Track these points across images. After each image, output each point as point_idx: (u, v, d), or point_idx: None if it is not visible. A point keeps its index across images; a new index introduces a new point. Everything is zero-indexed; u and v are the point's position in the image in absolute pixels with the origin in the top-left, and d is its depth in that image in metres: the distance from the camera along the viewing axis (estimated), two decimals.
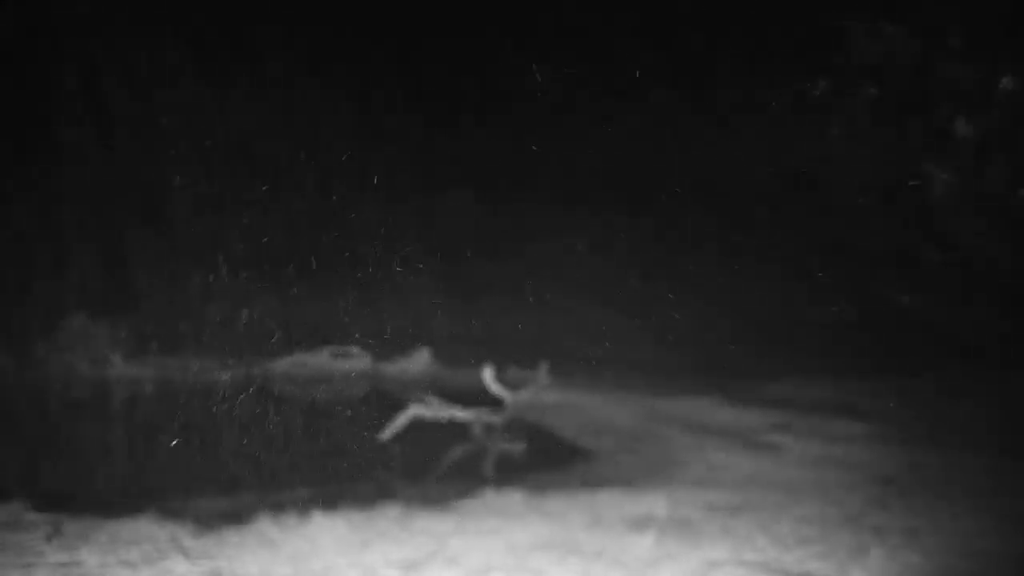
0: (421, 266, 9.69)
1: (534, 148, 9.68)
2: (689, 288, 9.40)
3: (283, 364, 9.29)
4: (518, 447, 7.71)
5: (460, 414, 8.00)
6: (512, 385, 8.32)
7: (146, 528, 5.04)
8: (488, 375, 8.28)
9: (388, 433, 7.49)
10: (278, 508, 5.30)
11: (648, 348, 9.73)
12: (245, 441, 7.09)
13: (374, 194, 9.78)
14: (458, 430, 7.87)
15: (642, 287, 9.92)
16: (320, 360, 9.57)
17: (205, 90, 9.30)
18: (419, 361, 10.16)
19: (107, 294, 8.82)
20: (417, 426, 7.63)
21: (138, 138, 9.16)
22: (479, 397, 8.15)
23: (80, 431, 7.27)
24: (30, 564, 4.58)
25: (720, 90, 9.78)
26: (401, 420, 7.61)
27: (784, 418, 8.19)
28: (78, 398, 8.09)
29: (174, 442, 6.97)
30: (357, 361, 9.92)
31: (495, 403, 8.19)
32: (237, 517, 5.18)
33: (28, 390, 8.00)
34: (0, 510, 5.22)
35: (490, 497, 5.78)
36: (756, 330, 9.69)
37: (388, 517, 5.33)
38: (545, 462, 7.05)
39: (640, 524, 5.21)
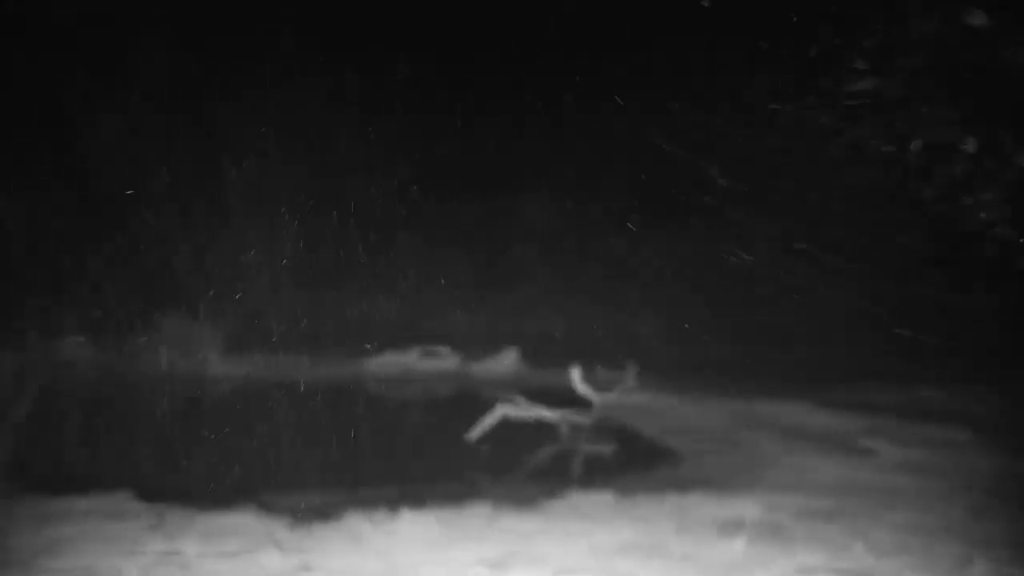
0: (506, 266, 9.73)
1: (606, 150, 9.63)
2: (781, 289, 9.20)
3: (373, 363, 9.43)
4: (605, 448, 7.67)
5: (547, 414, 7.99)
6: (599, 386, 8.28)
7: (242, 521, 5.17)
8: (575, 376, 8.26)
9: (476, 432, 7.53)
10: (367, 504, 5.38)
11: (735, 349, 9.56)
12: (336, 438, 7.22)
13: (455, 194, 9.88)
14: (545, 430, 7.87)
15: (729, 287, 9.75)
16: (409, 359, 9.68)
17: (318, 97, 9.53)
18: (507, 361, 10.19)
19: (204, 294, 9.07)
20: (505, 426, 7.65)
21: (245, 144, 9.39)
22: (566, 398, 8.13)
23: (179, 426, 7.50)
24: (133, 552, 4.74)
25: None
26: (489, 420, 7.64)
27: (880, 422, 7.95)
28: (177, 394, 8.34)
29: (266, 438, 7.17)
30: (445, 361, 10.01)
31: (582, 404, 8.17)
32: (328, 513, 5.28)
33: (130, 386, 8.29)
34: (105, 500, 5.43)
35: (577, 498, 5.76)
36: (848, 331, 9.43)
37: (475, 516, 5.36)
38: (632, 464, 7.00)
39: (730, 528, 5.11)
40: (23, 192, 8.74)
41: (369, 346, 9.28)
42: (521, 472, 6.91)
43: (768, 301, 9.22)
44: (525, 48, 9.77)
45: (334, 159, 9.75)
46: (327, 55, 9.62)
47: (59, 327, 8.80)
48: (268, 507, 5.34)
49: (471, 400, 8.56)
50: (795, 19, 6.28)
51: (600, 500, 5.72)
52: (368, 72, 9.72)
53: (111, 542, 4.87)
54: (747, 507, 5.48)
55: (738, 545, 4.85)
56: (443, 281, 9.69)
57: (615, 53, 9.50)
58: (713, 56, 8.61)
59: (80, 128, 9.18)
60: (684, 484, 6.07)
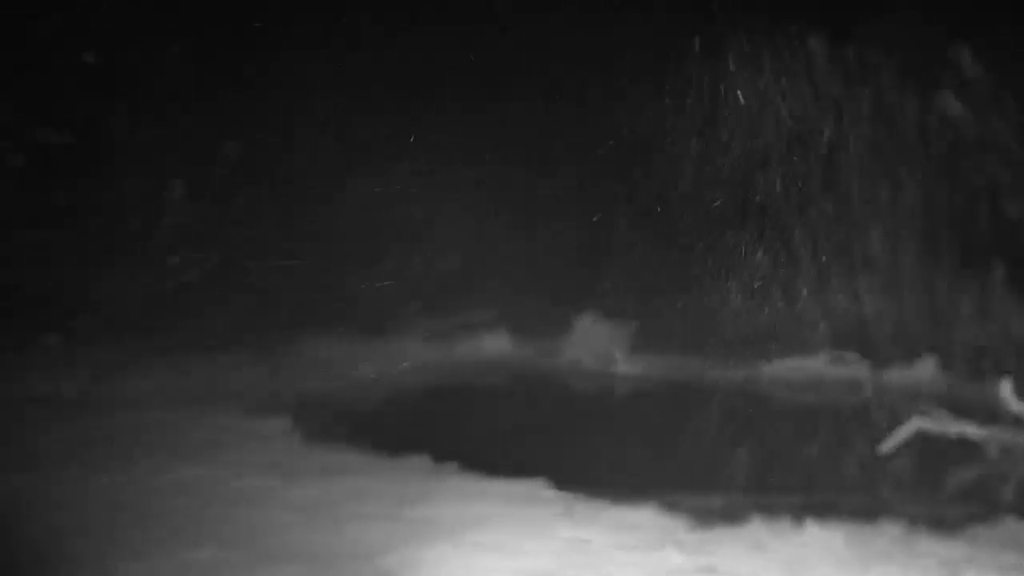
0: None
1: None
2: None
3: (777, 367, 9.18)
4: None
5: (972, 431, 7.23)
6: None
7: (647, 517, 5.32)
8: (1006, 389, 7.39)
9: (889, 445, 7.04)
10: (770, 512, 5.26)
11: None
12: (737, 442, 7.15)
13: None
14: (969, 449, 7.13)
15: None
16: (816, 364, 9.29)
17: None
18: (924, 369, 9.38)
19: (613, 295, 9.43)
20: (921, 440, 7.06)
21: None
22: (994, 413, 7.31)
23: (588, 422, 7.88)
24: (545, 536, 5.08)
25: None
26: (903, 432, 7.09)
27: None
28: (586, 391, 8.76)
29: (668, 437, 7.29)
30: (855, 367, 9.45)
31: (1016, 422, 7.29)
32: (730, 516, 5.24)
33: (545, 381, 8.84)
34: (524, 485, 5.87)
35: (1010, 527, 5.15)
36: None
37: (888, 535, 5.01)
38: None
39: None
40: None
41: (772, 349, 9.06)
42: (942, 492, 6.33)
43: None
44: None
45: None
46: None
47: (482, 325, 9.61)
48: (670, 506, 5.43)
49: (883, 410, 8.01)
50: None
51: None
52: None
53: (526, 524, 5.26)
54: None
55: None
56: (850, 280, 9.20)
57: None
58: None
59: None
60: None
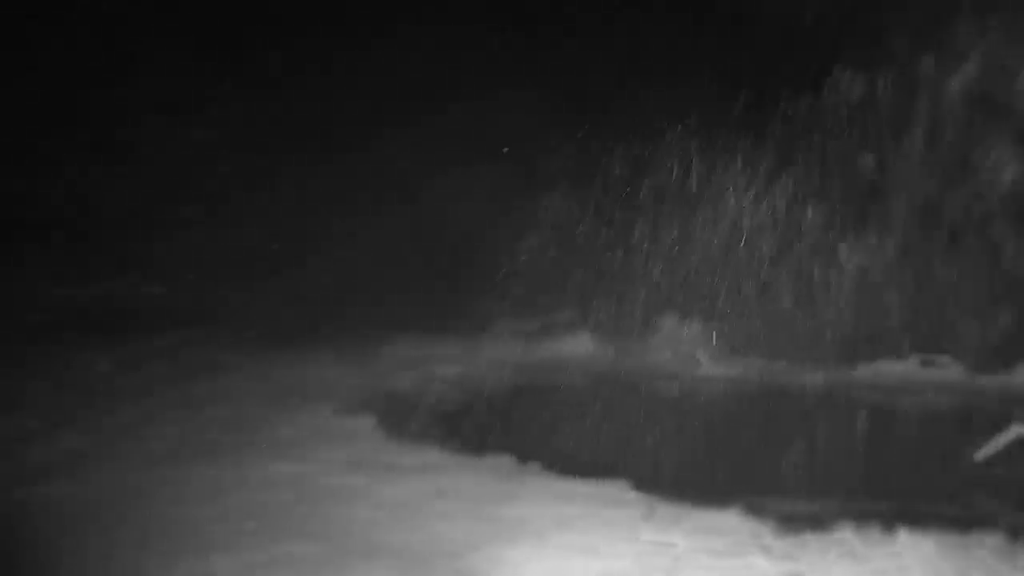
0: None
1: None
2: None
3: (867, 371, 8.96)
4: None
5: None
6: None
7: (731, 521, 5.25)
8: None
9: (985, 453, 6.80)
10: (861, 519, 5.14)
11: None
12: (827, 446, 7.01)
13: None
14: None
15: None
16: (907, 368, 9.03)
17: None
18: (1022, 375, 9.04)
19: (695, 298, 9.34)
20: (1020, 447, 6.80)
21: None
22: None
23: (672, 423, 7.82)
24: (629, 539, 5.07)
25: None
26: (1001, 440, 6.84)
27: None
28: (671, 392, 8.69)
29: (754, 441, 7.19)
30: (947, 371, 9.16)
31: None
32: (818, 523, 5.14)
33: (629, 382, 8.81)
34: (607, 486, 5.86)
35: None
36: None
37: (986, 546, 4.85)
38: None
39: None
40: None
41: (862, 352, 8.85)
42: None
43: None
44: None
45: None
46: None
47: (565, 325, 9.63)
48: (755, 510, 5.35)
49: (978, 416, 7.75)
50: None
51: None
52: None
53: (609, 526, 5.25)
54: None
55: None
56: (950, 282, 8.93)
57: None
58: None
59: None
60: None
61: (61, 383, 8.10)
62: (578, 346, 9.47)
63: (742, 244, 9.34)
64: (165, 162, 11.21)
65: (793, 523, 5.16)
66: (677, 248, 9.36)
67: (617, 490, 5.82)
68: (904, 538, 4.92)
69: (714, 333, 9.24)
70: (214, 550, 4.90)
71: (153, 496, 5.68)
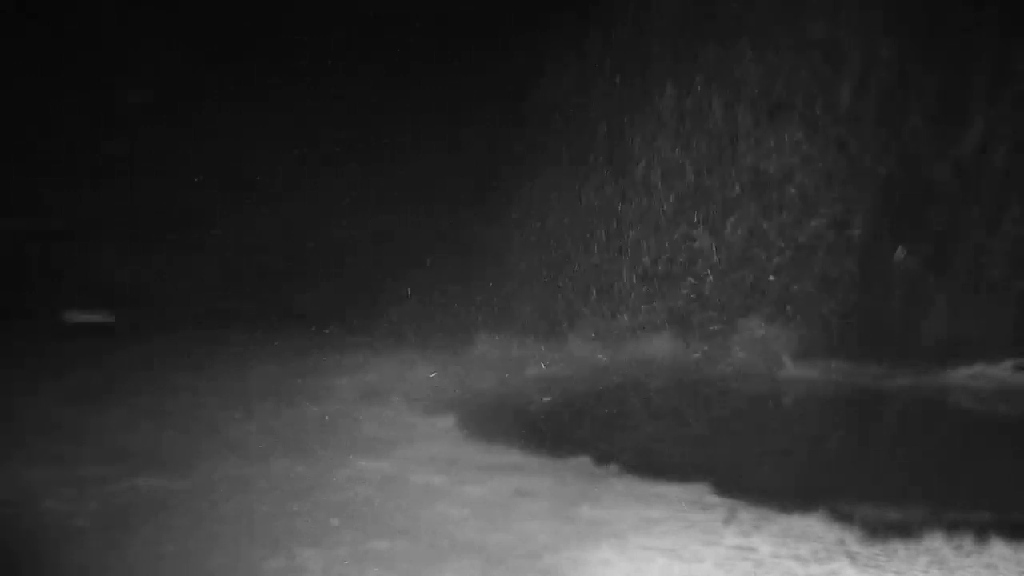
0: None
1: None
2: None
3: (961, 375, 8.68)
4: None
5: None
6: None
7: (816, 527, 5.17)
8: None
9: None
10: (952, 527, 5.00)
11: None
12: (917, 452, 6.83)
13: None
14: None
15: None
16: (1001, 373, 8.72)
17: None
18: None
19: (783, 300, 9.22)
20: None
21: None
22: None
23: (755, 426, 7.72)
24: (710, 543, 5.04)
25: None
26: None
27: None
28: (753, 394, 8.57)
29: (840, 445, 7.05)
30: None
31: None
32: (907, 530, 5.02)
33: (711, 384, 8.72)
34: (688, 489, 5.83)
35: None
36: None
37: None
38: None
39: None
40: None
41: (953, 351, 8.59)
42: None
43: None
44: None
45: None
46: None
47: (648, 327, 9.59)
48: (841, 516, 5.26)
49: None
50: None
51: None
52: None
53: (690, 529, 5.22)
54: None
55: None
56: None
57: None
58: None
59: None
60: None
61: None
62: (661, 348, 9.41)
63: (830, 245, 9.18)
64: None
65: (880, 530, 5.05)
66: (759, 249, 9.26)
67: (698, 493, 5.78)
68: (999, 549, 4.78)
69: (799, 335, 9.08)
70: (302, 545, 5.04)
71: (247, 490, 5.87)
